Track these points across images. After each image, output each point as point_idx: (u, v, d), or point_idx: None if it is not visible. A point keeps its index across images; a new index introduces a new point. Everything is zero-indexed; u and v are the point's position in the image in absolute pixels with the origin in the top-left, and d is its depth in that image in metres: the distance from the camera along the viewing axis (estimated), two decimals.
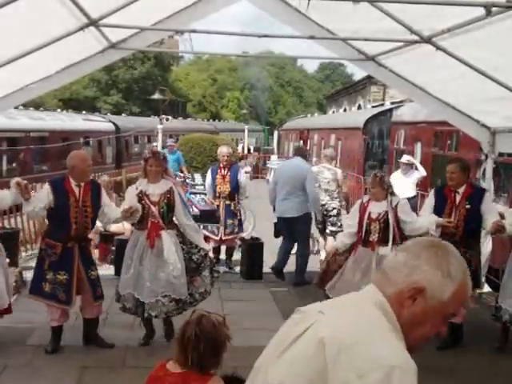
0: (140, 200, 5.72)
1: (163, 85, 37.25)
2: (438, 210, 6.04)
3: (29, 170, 18.17)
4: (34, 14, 5.00)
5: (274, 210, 8.78)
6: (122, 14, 5.92)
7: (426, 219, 6.02)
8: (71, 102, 43.79)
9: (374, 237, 5.81)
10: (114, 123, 26.46)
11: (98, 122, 25.70)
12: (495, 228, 5.68)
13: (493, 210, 6.05)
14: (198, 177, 14.45)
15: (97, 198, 5.66)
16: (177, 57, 62.95)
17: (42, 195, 5.56)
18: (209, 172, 9.28)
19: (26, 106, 17.95)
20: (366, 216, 5.86)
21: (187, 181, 13.52)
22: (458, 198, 5.98)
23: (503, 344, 6.14)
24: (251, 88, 69.33)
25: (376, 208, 5.86)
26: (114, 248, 8.88)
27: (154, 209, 5.72)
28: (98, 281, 5.74)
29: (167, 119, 22.52)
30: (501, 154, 8.39)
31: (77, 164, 5.55)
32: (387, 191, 5.89)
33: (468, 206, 5.92)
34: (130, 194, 5.86)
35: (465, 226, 5.94)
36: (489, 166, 8.16)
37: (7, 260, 7.57)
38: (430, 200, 6.25)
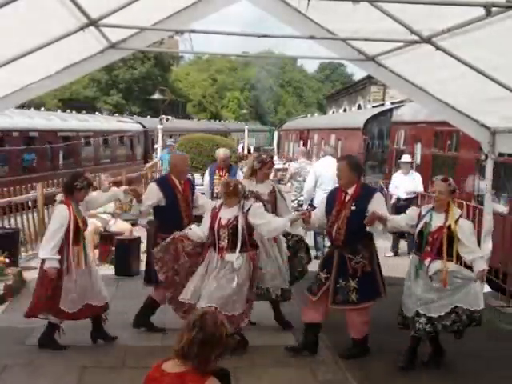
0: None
1: (163, 85, 37.32)
2: (328, 211, 5.66)
3: (78, 163, 21.89)
4: (33, 13, 4.99)
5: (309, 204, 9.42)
6: (121, 14, 5.92)
7: (282, 219, 5.74)
8: (71, 102, 43.77)
9: (223, 243, 5.49)
10: (142, 124, 29.39)
11: (129, 124, 28.80)
12: (370, 217, 5.33)
13: (381, 211, 5.51)
14: (197, 177, 14.45)
15: (193, 193, 6.34)
16: (177, 57, 63.00)
17: (151, 195, 6.13)
18: (207, 172, 9.28)
19: (24, 106, 18.19)
20: (216, 222, 5.56)
21: None
22: (347, 199, 5.57)
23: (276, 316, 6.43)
24: (251, 88, 69.35)
25: (226, 214, 5.56)
26: (114, 248, 8.88)
27: (268, 206, 6.17)
28: None
29: (167, 119, 22.55)
30: (501, 155, 8.39)
31: (177, 163, 6.26)
32: (240, 197, 5.57)
33: (353, 208, 5.48)
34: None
35: (348, 230, 5.47)
36: (489, 166, 8.16)
37: (7, 260, 7.60)
38: (322, 201, 5.99)
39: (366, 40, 6.60)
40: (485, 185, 7.87)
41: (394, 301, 6.33)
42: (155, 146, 21.96)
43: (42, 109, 25.33)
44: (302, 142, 30.68)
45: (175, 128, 28.78)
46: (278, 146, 40.44)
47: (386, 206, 5.88)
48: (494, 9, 4.53)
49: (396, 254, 10.80)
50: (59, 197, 5.76)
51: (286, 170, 26.52)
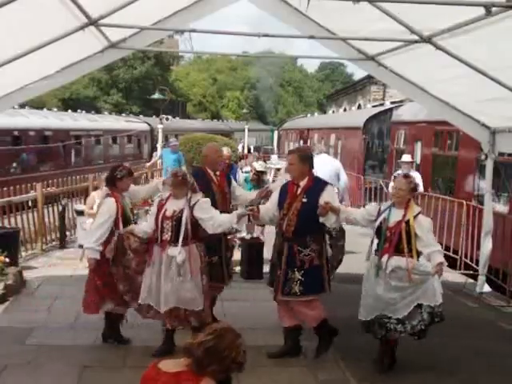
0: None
1: (163, 84, 37.29)
2: (280, 204, 5.58)
3: (89, 160, 23.72)
4: (34, 13, 5.00)
5: None
6: (121, 14, 5.93)
7: (228, 215, 5.60)
8: (71, 102, 43.79)
9: (166, 236, 5.35)
10: (148, 123, 30.88)
11: (136, 123, 30.20)
12: (322, 208, 5.27)
13: (334, 203, 5.43)
14: None
15: (229, 184, 6.31)
16: (177, 56, 62.93)
17: None
18: None
19: (23, 105, 18.36)
20: (161, 213, 5.40)
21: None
22: (298, 191, 5.49)
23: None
24: (251, 88, 69.31)
25: (172, 205, 5.40)
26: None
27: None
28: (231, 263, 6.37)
29: (167, 119, 22.56)
30: (501, 154, 8.39)
31: (209, 154, 6.19)
32: (187, 189, 5.42)
33: (304, 200, 5.40)
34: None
35: (298, 222, 5.39)
36: (489, 166, 8.16)
37: (7, 260, 7.60)
38: (275, 194, 5.83)
39: (366, 40, 6.61)
40: (485, 184, 7.86)
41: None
42: (157, 145, 22.14)
43: (55, 109, 27.53)
44: (302, 142, 30.69)
45: (180, 127, 30.15)
46: (278, 146, 40.44)
47: (338, 199, 5.82)
48: (494, 8, 4.53)
49: None
50: (104, 190, 5.86)
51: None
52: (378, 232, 5.33)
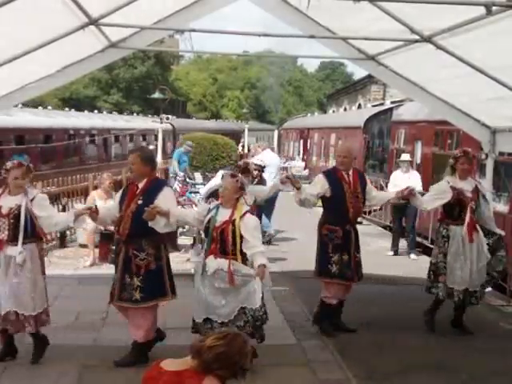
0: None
1: (163, 84, 37.26)
2: (120, 205, 5.35)
3: (125, 155, 23.32)
4: (34, 13, 4.99)
5: None
6: (122, 13, 5.92)
7: (65, 214, 5.37)
8: (71, 102, 43.78)
9: (2, 235, 5.01)
10: (171, 124, 32.02)
11: (160, 123, 31.12)
12: (148, 212, 4.99)
13: (167, 205, 5.17)
14: (198, 176, 14.45)
15: (364, 184, 6.29)
16: (177, 56, 62.94)
17: (317, 184, 6.27)
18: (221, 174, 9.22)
19: (24, 105, 18.54)
20: None
21: (187, 180, 13.53)
22: (137, 193, 5.28)
23: (430, 318, 6.38)
24: (251, 87, 69.29)
25: (8, 202, 5.06)
26: (114, 247, 8.86)
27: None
28: (361, 262, 6.31)
29: (167, 118, 22.59)
30: (501, 154, 8.38)
31: (341, 154, 6.28)
32: (26, 183, 5.13)
33: (140, 202, 5.16)
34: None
35: (132, 224, 5.16)
36: (489, 166, 8.15)
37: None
38: (118, 194, 5.65)
39: (366, 39, 6.61)
40: (485, 184, 7.85)
41: (395, 300, 6.34)
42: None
43: (95, 111, 30.94)
44: (302, 141, 30.67)
45: (194, 127, 30.94)
46: (278, 145, 40.42)
47: (175, 202, 5.59)
48: (494, 8, 4.53)
49: (396, 253, 10.79)
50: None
51: (286, 169, 26.55)
52: (206, 232, 5.21)
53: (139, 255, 5.17)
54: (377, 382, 5.27)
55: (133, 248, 5.17)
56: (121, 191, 5.61)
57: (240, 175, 5.60)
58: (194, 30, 7.21)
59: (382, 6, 5.66)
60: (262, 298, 5.04)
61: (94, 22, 5.81)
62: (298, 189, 6.09)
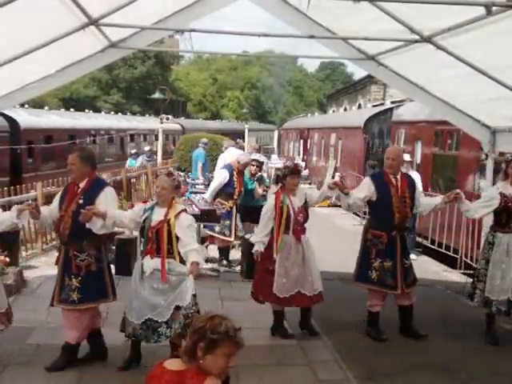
0: None
1: (163, 84, 37.34)
2: (60, 205, 5.27)
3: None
4: (34, 13, 5.00)
5: None
6: (122, 14, 5.92)
7: (8, 212, 5.15)
8: (71, 101, 43.79)
9: None
10: (180, 124, 35.15)
11: (171, 124, 32.96)
12: (84, 213, 4.90)
13: (107, 206, 5.11)
14: (195, 176, 14.41)
15: (413, 189, 6.16)
16: (177, 56, 62.96)
17: (363, 188, 6.20)
18: (225, 172, 9.18)
19: (23, 105, 18.85)
20: None
21: (187, 180, 13.50)
22: (77, 193, 5.20)
23: (489, 333, 6.16)
24: (251, 87, 69.32)
25: None
26: (114, 247, 8.87)
27: None
28: (411, 268, 6.23)
29: (167, 118, 22.61)
30: (501, 154, 8.38)
31: (389, 156, 6.16)
32: None
33: (81, 202, 5.10)
34: None
35: (73, 225, 5.09)
36: (489, 166, 8.15)
37: (7, 259, 7.59)
38: (57, 196, 5.49)
39: (366, 39, 6.61)
40: (485, 184, 7.85)
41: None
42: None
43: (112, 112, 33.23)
44: (302, 141, 30.69)
45: (203, 127, 32.30)
46: (278, 145, 40.44)
47: (115, 202, 5.43)
48: (494, 8, 4.53)
49: None
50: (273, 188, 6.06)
51: None
52: (142, 232, 5.16)
53: (80, 256, 5.11)
54: (377, 383, 5.27)
55: (73, 249, 5.11)
56: (60, 191, 5.53)
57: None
58: (194, 30, 7.21)
59: (381, 6, 5.66)
60: (195, 296, 5.00)
61: (94, 22, 5.81)
62: (347, 194, 6.06)
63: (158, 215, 5.06)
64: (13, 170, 17.64)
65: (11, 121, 18.07)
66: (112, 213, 5.13)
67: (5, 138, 17.43)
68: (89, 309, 5.20)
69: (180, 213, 5.08)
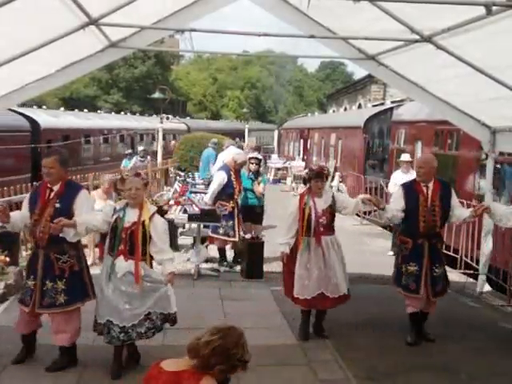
0: None
1: (164, 84, 37.36)
2: (31, 209, 5.17)
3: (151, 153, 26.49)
4: (34, 13, 4.99)
5: None
6: (122, 13, 5.92)
7: None
8: (71, 101, 43.79)
9: None
10: (186, 124, 36.56)
11: (178, 124, 35.56)
12: (52, 227, 4.88)
13: (82, 209, 5.08)
14: (198, 176, 14.42)
15: (446, 198, 6.05)
16: (177, 56, 62.98)
17: (399, 198, 6.16)
18: (223, 173, 9.15)
19: (22, 105, 19.00)
20: None
21: (188, 180, 13.50)
22: (51, 196, 5.11)
23: None
24: (251, 87, 69.33)
25: None
26: None
27: None
28: (441, 278, 6.12)
29: (167, 118, 22.68)
30: (501, 154, 8.39)
31: (421, 165, 6.14)
32: None
33: (58, 205, 5.03)
34: None
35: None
36: (489, 165, 8.16)
37: (7, 259, 7.58)
38: (25, 200, 5.40)
39: (366, 39, 6.61)
40: (485, 184, 7.85)
41: (395, 300, 6.34)
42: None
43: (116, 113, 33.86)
44: (302, 141, 30.68)
45: (208, 127, 32.92)
46: (278, 145, 40.43)
47: (90, 205, 5.39)
48: (494, 8, 4.53)
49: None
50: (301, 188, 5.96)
51: (286, 169, 26.55)
52: (113, 232, 5.11)
53: (61, 258, 5.07)
54: (377, 382, 5.26)
55: (54, 252, 5.06)
56: (29, 194, 5.46)
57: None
58: (194, 30, 7.20)
59: (382, 5, 5.66)
60: None
61: (94, 21, 5.81)
62: (383, 209, 6.05)
63: (131, 216, 5.05)
64: (33, 167, 18.32)
65: (32, 121, 19.04)
66: (84, 219, 5.06)
67: (27, 137, 18.31)
68: (76, 309, 5.19)
69: (154, 215, 5.09)
